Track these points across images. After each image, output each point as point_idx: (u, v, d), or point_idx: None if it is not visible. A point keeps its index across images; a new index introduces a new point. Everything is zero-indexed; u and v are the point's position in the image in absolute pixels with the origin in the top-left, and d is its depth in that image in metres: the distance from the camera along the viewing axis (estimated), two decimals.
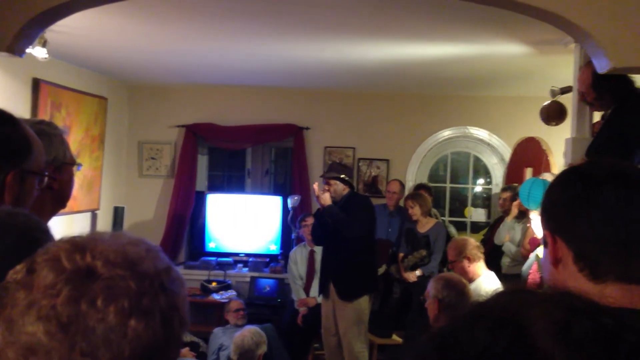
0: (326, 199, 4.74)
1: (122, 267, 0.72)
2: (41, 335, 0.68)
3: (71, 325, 0.68)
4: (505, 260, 5.18)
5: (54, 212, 1.75)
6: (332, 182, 4.85)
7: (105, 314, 0.68)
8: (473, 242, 3.91)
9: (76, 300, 0.68)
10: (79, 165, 2.04)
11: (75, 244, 0.74)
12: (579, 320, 0.57)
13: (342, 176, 4.87)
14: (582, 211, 1.06)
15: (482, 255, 3.87)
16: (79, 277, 0.70)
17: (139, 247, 0.76)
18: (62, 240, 0.76)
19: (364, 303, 4.87)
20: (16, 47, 2.48)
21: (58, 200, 1.76)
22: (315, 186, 4.86)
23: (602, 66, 2.69)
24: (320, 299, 5.29)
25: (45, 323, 0.68)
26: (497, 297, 0.64)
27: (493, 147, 7.18)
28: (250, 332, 4.33)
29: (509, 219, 5.36)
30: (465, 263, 3.78)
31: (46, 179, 1.52)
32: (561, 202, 1.10)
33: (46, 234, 1.24)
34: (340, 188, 4.86)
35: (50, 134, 1.73)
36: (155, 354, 0.72)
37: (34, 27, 2.54)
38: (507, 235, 5.25)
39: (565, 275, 1.07)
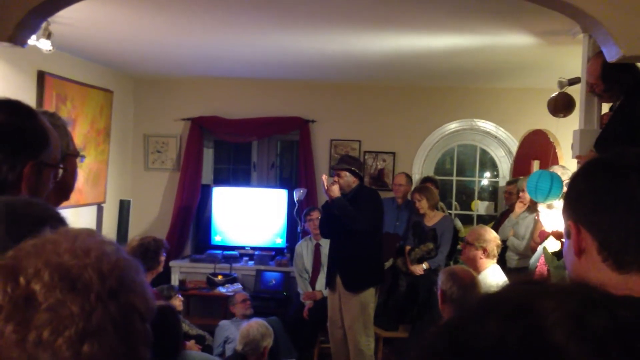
0: (335, 191, 4.73)
1: (62, 289, 0.66)
2: None
3: None
4: (510, 255, 5.15)
5: (57, 203, 1.74)
6: (342, 173, 4.83)
7: (54, 349, 0.65)
8: (497, 239, 3.82)
9: (21, 341, 0.64)
10: (82, 156, 2.03)
11: (5, 270, 0.68)
12: (595, 313, 0.55)
13: (353, 168, 4.85)
14: (607, 201, 1.05)
15: (497, 255, 3.82)
16: (18, 311, 0.65)
17: (77, 252, 0.70)
18: None
19: (369, 295, 4.86)
20: (18, 37, 2.46)
21: (61, 192, 1.75)
22: (324, 178, 4.84)
23: (612, 54, 2.66)
24: (326, 292, 5.28)
25: None
26: (509, 289, 0.62)
27: (500, 140, 7.14)
28: (257, 324, 4.34)
29: (514, 216, 5.33)
30: (480, 253, 3.73)
31: (61, 171, 1.52)
32: (586, 191, 1.09)
33: (62, 222, 1.23)
34: (351, 180, 4.85)
35: (54, 125, 1.72)
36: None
37: (36, 17, 2.52)
38: (512, 230, 5.23)
39: (589, 265, 1.06)
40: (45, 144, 1.43)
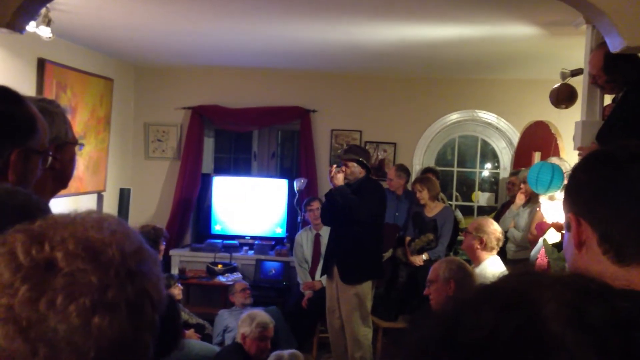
0: (339, 179, 4.75)
1: (84, 259, 0.67)
2: (0, 338, 0.64)
3: (31, 329, 0.64)
4: (510, 246, 5.16)
5: (54, 192, 1.73)
6: (350, 164, 4.84)
7: (65, 314, 0.65)
8: (497, 232, 3.78)
9: (35, 301, 0.64)
10: (81, 144, 2.02)
11: (32, 234, 0.69)
12: (592, 304, 0.54)
13: (361, 159, 4.86)
14: (607, 192, 1.04)
15: (497, 248, 3.79)
16: (37, 273, 0.66)
17: (103, 231, 0.71)
18: (19, 229, 0.71)
19: (366, 288, 4.86)
20: (16, 24, 2.44)
21: (59, 180, 1.74)
22: (333, 168, 4.85)
23: (616, 45, 2.64)
24: (324, 281, 5.29)
25: (4, 326, 0.64)
26: (505, 279, 0.62)
27: (501, 131, 7.12)
28: (257, 311, 4.39)
29: (514, 207, 5.33)
30: (476, 243, 3.72)
31: (50, 158, 1.50)
32: (586, 184, 1.09)
33: (45, 213, 1.21)
34: (357, 171, 4.87)
35: (52, 112, 1.71)
36: (124, 346, 0.68)
37: (34, 3, 2.50)
38: (512, 221, 5.22)
39: (589, 258, 1.05)
40: (32, 130, 1.40)
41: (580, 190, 1.10)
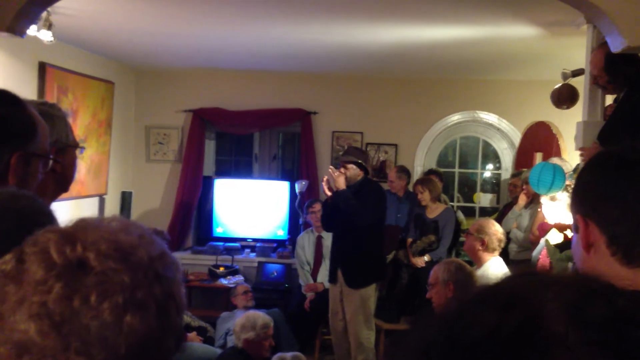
0: (341, 182, 4.71)
1: (115, 259, 0.69)
2: (34, 334, 0.65)
3: (64, 324, 0.65)
4: (512, 247, 5.15)
5: (56, 195, 1.73)
6: (349, 166, 4.82)
7: (99, 311, 0.66)
8: (499, 233, 3.76)
9: (69, 298, 0.66)
10: (82, 148, 2.01)
11: (64, 234, 0.71)
12: (594, 302, 0.54)
13: (359, 161, 4.85)
14: (615, 193, 1.04)
15: (499, 249, 3.78)
16: (70, 271, 0.67)
17: (132, 234, 0.73)
18: (50, 230, 0.72)
19: (370, 290, 4.85)
20: (17, 27, 2.44)
21: (60, 183, 1.74)
22: (331, 170, 4.82)
23: (617, 45, 2.64)
24: (327, 284, 5.29)
25: (38, 322, 0.65)
26: (507, 279, 0.62)
27: (502, 132, 7.11)
28: (254, 313, 4.36)
29: (517, 208, 5.32)
30: (478, 244, 3.70)
31: (51, 162, 1.50)
32: (594, 185, 1.08)
33: (49, 217, 1.21)
34: (356, 173, 4.84)
35: (53, 116, 1.70)
36: (152, 346, 0.70)
37: (35, 6, 2.51)
38: (515, 222, 5.22)
39: (597, 260, 1.05)
40: (32, 133, 1.39)
41: (588, 191, 1.09)
